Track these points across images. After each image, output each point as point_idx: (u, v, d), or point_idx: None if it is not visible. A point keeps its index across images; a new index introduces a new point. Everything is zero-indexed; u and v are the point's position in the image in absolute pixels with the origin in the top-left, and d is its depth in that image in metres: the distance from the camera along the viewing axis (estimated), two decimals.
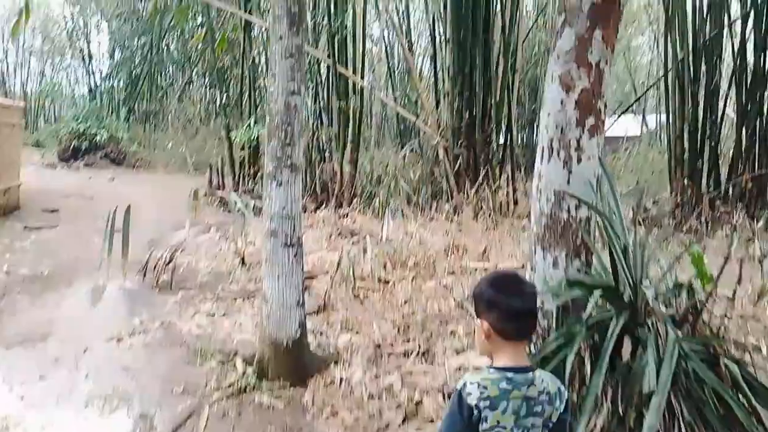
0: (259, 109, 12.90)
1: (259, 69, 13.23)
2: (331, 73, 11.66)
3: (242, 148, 12.86)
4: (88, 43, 27.32)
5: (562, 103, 3.28)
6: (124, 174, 19.22)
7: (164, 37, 23.77)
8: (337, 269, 6.23)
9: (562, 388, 1.86)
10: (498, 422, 1.72)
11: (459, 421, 1.74)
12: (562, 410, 1.82)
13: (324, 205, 11.69)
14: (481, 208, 11.02)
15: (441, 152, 11.07)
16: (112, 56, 25.50)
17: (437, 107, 11.10)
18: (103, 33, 27.57)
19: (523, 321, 1.84)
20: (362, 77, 11.27)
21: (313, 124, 11.99)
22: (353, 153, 11.28)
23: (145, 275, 6.79)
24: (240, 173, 13.18)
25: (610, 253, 3.22)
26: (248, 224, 7.85)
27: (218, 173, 13.17)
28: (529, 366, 1.82)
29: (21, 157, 12.04)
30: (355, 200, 11.01)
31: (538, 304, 2.17)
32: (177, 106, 23.61)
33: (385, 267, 6.88)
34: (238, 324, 5.38)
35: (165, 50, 24.79)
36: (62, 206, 11.86)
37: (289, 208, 4.10)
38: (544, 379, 1.82)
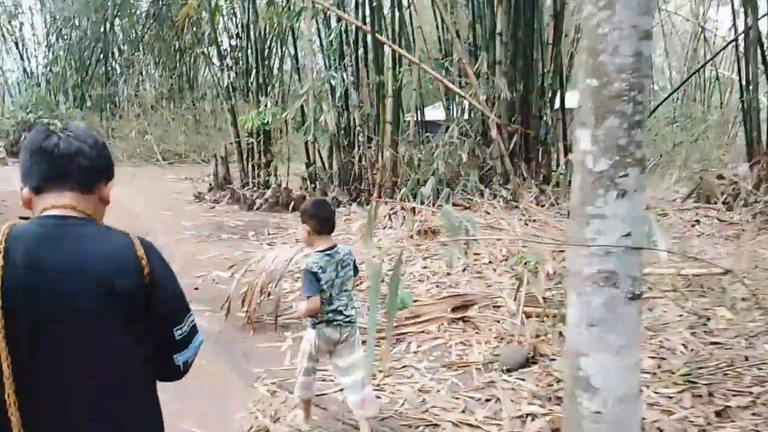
0: (269, 89, 10.81)
1: (268, 44, 11.07)
2: (362, 43, 9.78)
3: (250, 135, 10.78)
4: (21, 25, 23.91)
5: None
6: None
7: (116, 15, 20.92)
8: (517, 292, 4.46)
9: (351, 249, 3.18)
10: (329, 277, 2.94)
11: (313, 279, 2.92)
12: (353, 261, 3.09)
13: (359, 197, 9.85)
14: (544, 192, 9.49)
15: (494, 131, 9.39)
16: (49, 39, 22.34)
17: (488, 78, 9.33)
18: (36, 15, 24.25)
19: (326, 223, 3.04)
20: (400, 46, 9.36)
21: (340, 102, 10.07)
22: (393, 135, 9.44)
23: (228, 311, 4.84)
24: (248, 164, 11.11)
25: None
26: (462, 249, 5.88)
27: (224, 164, 11.02)
28: (335, 245, 3.04)
29: None
30: (401, 190, 9.19)
31: None
32: (135, 90, 20.91)
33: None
34: (423, 392, 3.59)
35: (116, 31, 21.98)
36: None
37: (635, 236, 2.35)
38: (342, 249, 3.07)
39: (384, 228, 7.47)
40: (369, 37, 9.35)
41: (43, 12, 22.62)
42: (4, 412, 1.26)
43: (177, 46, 21.39)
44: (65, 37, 21.61)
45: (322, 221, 2.99)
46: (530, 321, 4.16)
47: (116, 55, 22.73)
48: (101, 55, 21.38)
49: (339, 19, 9.59)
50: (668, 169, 14.57)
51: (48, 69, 22.61)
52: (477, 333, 4.26)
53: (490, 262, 6.04)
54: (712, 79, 17.24)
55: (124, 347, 1.38)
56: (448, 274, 5.65)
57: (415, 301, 4.82)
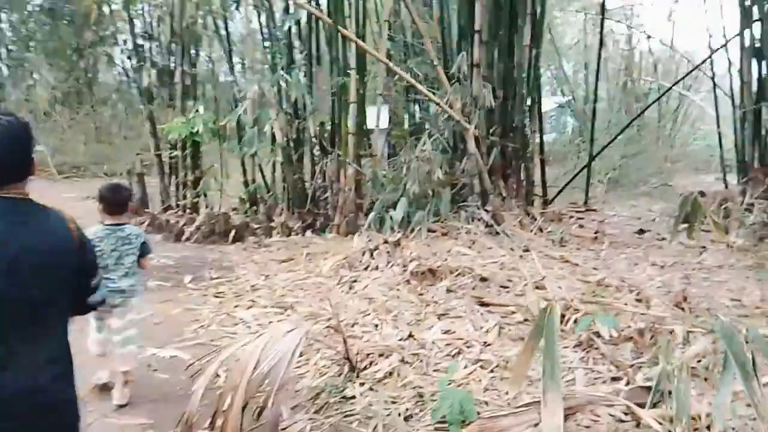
0: (199, 92, 8.77)
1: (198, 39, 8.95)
2: (315, 38, 8.00)
3: (173, 147, 8.69)
4: None
5: None
6: None
7: (2, 10, 17.86)
8: None
9: (141, 232, 3.58)
10: (103, 248, 3.28)
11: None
12: (141, 241, 3.47)
13: (314, 224, 8.02)
14: (529, 214, 8.10)
15: (471, 143, 7.85)
16: None
17: (460, 83, 7.81)
18: None
19: (115, 205, 3.42)
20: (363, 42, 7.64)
21: (292, 109, 8.20)
22: (356, 149, 7.72)
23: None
24: (170, 182, 8.99)
25: None
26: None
27: (140, 182, 8.85)
28: (124, 223, 3.44)
29: None
30: (367, 215, 7.49)
31: None
32: (26, 95, 17.90)
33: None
34: None
35: (2, 27, 18.84)
36: None
37: None
38: (130, 229, 3.44)
39: (366, 269, 5.71)
40: (326, 33, 7.58)
41: None
42: None
43: (75, 44, 18.61)
44: None
45: (110, 204, 3.41)
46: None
47: (3, 54, 19.56)
48: None
49: (287, 9, 7.77)
50: (625, 185, 13.76)
51: None
52: None
53: (525, 320, 4.47)
54: (647, 90, 16.77)
55: (65, 297, 1.71)
56: (486, 344, 4.01)
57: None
